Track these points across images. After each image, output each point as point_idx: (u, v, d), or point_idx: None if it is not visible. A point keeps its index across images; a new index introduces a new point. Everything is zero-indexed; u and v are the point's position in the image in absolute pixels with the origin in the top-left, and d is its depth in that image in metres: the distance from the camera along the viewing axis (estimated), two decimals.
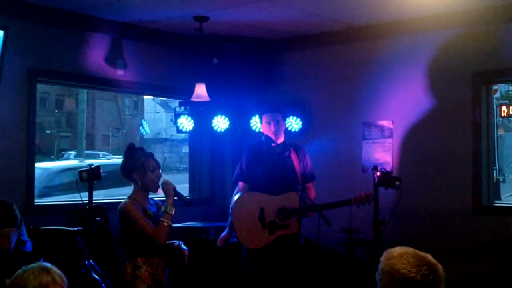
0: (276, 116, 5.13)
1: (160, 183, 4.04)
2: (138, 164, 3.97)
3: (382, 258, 2.15)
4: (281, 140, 5.10)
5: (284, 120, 5.29)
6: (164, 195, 4.04)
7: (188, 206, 4.19)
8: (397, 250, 2.14)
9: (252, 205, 4.92)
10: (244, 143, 6.22)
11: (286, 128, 5.58)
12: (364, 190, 5.35)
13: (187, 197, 6.92)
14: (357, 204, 4.93)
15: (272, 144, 5.05)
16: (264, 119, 5.14)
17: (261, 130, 5.27)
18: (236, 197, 5.02)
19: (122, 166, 4.08)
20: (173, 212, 3.93)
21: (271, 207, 4.91)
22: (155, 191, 4.05)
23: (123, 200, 4.00)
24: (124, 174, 4.08)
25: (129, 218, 3.89)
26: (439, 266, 2.08)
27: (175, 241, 4.16)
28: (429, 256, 2.11)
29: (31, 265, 2.26)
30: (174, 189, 4.03)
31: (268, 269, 4.92)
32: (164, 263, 4.03)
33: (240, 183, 5.16)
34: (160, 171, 4.07)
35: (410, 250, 2.13)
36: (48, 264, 2.28)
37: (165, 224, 3.88)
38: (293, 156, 5.07)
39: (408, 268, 2.06)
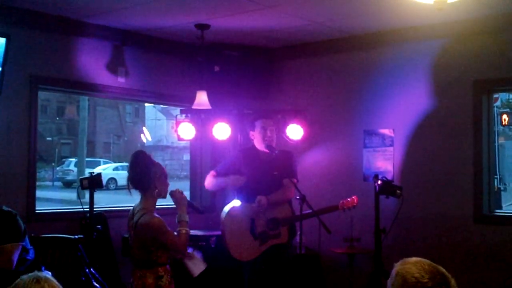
0: (271, 122, 5.12)
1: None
2: (160, 173, 3.85)
3: (397, 264, 2.20)
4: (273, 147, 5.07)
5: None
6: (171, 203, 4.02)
7: (199, 213, 4.17)
8: (414, 258, 2.19)
9: (242, 218, 4.92)
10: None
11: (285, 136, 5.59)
12: (366, 199, 5.36)
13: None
14: (344, 209, 4.97)
15: (265, 151, 5.04)
16: (260, 124, 5.07)
17: (251, 138, 5.19)
18: (226, 209, 5.00)
19: (141, 175, 3.82)
20: (188, 219, 3.90)
21: (261, 218, 4.91)
22: (165, 197, 3.99)
23: (143, 211, 3.79)
24: (141, 184, 3.82)
25: (159, 233, 3.72)
26: (453, 280, 2.12)
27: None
28: (443, 269, 2.15)
29: (28, 274, 2.26)
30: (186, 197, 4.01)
31: (265, 275, 4.93)
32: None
33: (213, 173, 5.17)
34: None
35: (426, 260, 2.17)
36: (44, 274, 2.27)
37: (183, 231, 3.83)
38: (281, 162, 5.05)
39: (422, 273, 2.09)
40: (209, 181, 5.18)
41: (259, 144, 5.10)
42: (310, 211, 4.71)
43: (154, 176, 3.81)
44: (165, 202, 4.19)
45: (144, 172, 3.80)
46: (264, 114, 5.25)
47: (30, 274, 2.24)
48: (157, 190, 3.83)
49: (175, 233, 3.82)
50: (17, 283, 2.19)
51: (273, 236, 4.90)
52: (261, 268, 4.94)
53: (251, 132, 5.14)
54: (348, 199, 5.00)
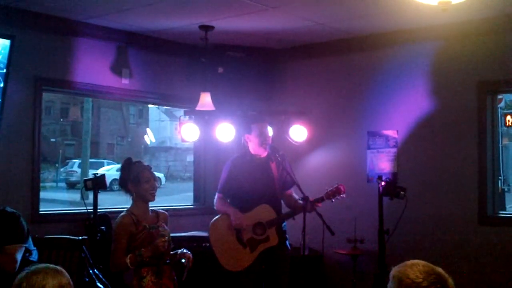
0: (267, 125, 5.09)
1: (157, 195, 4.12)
2: (133, 176, 4.05)
3: (394, 267, 2.25)
4: (267, 151, 5.01)
5: None
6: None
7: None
8: (410, 261, 2.24)
9: (227, 228, 4.90)
10: None
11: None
12: (369, 200, 5.36)
13: (192, 206, 6.98)
14: (330, 198, 4.88)
15: (259, 155, 5.02)
16: (257, 128, 4.98)
17: (246, 140, 5.08)
18: (211, 223, 4.99)
19: (119, 179, 4.20)
20: (140, 259, 3.89)
21: (246, 225, 4.89)
22: (151, 199, 4.11)
23: (122, 212, 4.09)
24: (121, 186, 4.18)
25: (114, 233, 3.98)
26: (450, 280, 2.16)
27: (177, 250, 4.16)
28: (440, 269, 2.19)
29: (39, 266, 2.25)
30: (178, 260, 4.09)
31: (263, 277, 4.92)
32: (171, 271, 4.03)
33: (219, 195, 5.08)
34: (157, 183, 4.20)
35: (422, 261, 2.22)
36: (57, 266, 2.28)
37: (127, 262, 3.88)
38: (273, 165, 5.01)
39: (417, 274, 2.14)
40: (218, 205, 5.08)
41: (254, 148, 5.03)
42: (304, 207, 4.66)
43: (126, 180, 4.10)
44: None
45: (119, 177, 4.19)
46: (261, 118, 5.24)
47: (41, 266, 2.23)
48: (133, 194, 4.00)
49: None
50: (30, 275, 2.18)
51: (261, 240, 4.88)
52: (259, 269, 4.92)
53: (247, 135, 5.05)
54: (333, 188, 4.89)
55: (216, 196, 5.11)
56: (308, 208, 4.64)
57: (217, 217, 5.01)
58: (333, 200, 4.90)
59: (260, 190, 4.94)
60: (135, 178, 4.05)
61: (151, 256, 3.89)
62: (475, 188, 5.50)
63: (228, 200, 5.05)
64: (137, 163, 4.15)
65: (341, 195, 4.91)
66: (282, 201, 5.11)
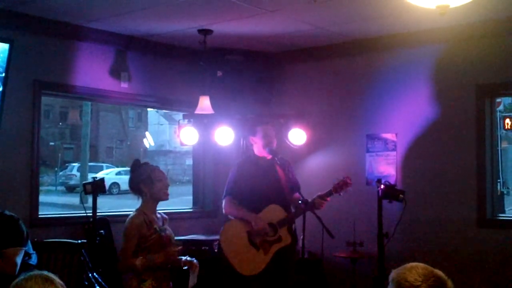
0: (272, 128, 5.09)
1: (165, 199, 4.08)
2: (145, 176, 4.02)
3: (393, 270, 2.25)
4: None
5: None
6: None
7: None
8: (409, 264, 2.24)
9: (238, 233, 4.88)
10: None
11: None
12: (368, 204, 5.36)
13: (191, 209, 6.97)
14: (338, 192, 4.89)
15: (265, 157, 5.02)
16: (261, 130, 5.03)
17: (251, 142, 5.11)
18: (221, 229, 4.96)
19: (129, 181, 4.12)
20: (151, 264, 3.87)
21: (268, 228, 4.88)
22: (165, 198, 4.09)
23: (132, 212, 4.03)
24: (132, 188, 4.10)
25: (124, 233, 3.93)
26: (449, 282, 2.17)
27: (181, 257, 4.14)
28: (440, 272, 2.19)
29: (32, 273, 2.25)
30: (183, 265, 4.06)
31: (270, 278, 4.90)
32: (169, 278, 4.02)
33: (227, 198, 5.04)
34: (168, 181, 4.15)
35: (421, 264, 2.22)
36: (50, 274, 2.28)
37: (138, 264, 3.84)
38: (279, 168, 5.01)
39: (416, 277, 2.14)
40: (229, 209, 5.02)
41: (259, 149, 5.07)
42: (304, 207, 4.65)
43: (138, 182, 4.04)
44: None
45: (130, 179, 4.11)
46: (266, 120, 5.25)
47: (34, 273, 2.23)
48: (147, 194, 3.98)
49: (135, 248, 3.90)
50: (20, 282, 2.18)
51: (274, 241, 4.88)
52: (272, 272, 4.90)
53: (252, 137, 5.11)
54: (340, 181, 4.91)
55: (224, 200, 5.06)
56: (309, 208, 4.64)
57: (227, 221, 4.99)
58: (341, 194, 4.90)
59: (268, 191, 4.95)
60: (148, 179, 4.02)
61: (163, 262, 3.89)
62: (474, 191, 5.50)
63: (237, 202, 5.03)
64: (145, 164, 4.14)
65: (348, 188, 4.91)
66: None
